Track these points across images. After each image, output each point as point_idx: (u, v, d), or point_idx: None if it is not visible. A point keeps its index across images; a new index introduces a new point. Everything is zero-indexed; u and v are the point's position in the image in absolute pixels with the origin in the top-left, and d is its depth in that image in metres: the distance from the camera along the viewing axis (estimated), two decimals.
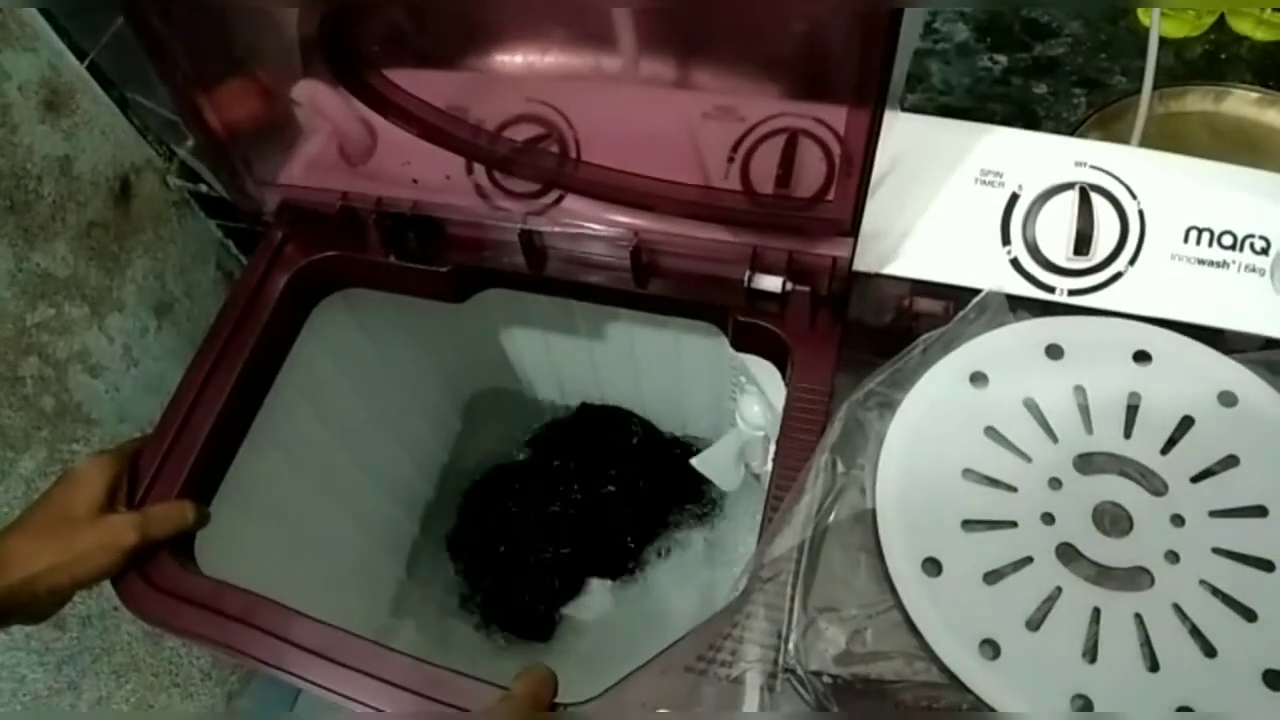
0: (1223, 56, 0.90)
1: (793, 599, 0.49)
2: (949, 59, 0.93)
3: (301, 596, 0.60)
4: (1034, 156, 0.58)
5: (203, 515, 0.60)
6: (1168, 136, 0.85)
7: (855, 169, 0.52)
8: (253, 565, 0.64)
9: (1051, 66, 0.91)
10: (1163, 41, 0.91)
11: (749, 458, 0.88)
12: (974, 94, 0.91)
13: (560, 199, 0.61)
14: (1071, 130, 0.84)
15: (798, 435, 0.56)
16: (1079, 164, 0.57)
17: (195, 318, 1.02)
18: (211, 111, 0.62)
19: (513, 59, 0.60)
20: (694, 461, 0.87)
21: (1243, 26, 0.91)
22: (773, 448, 0.83)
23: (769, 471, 0.85)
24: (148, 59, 0.59)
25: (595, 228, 0.61)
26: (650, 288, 0.64)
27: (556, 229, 0.63)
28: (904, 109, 0.91)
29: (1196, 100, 0.86)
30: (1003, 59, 0.92)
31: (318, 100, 0.61)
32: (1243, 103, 0.86)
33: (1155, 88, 0.84)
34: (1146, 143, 0.70)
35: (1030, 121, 0.89)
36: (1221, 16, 0.91)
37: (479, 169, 0.62)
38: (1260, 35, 0.90)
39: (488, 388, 1.03)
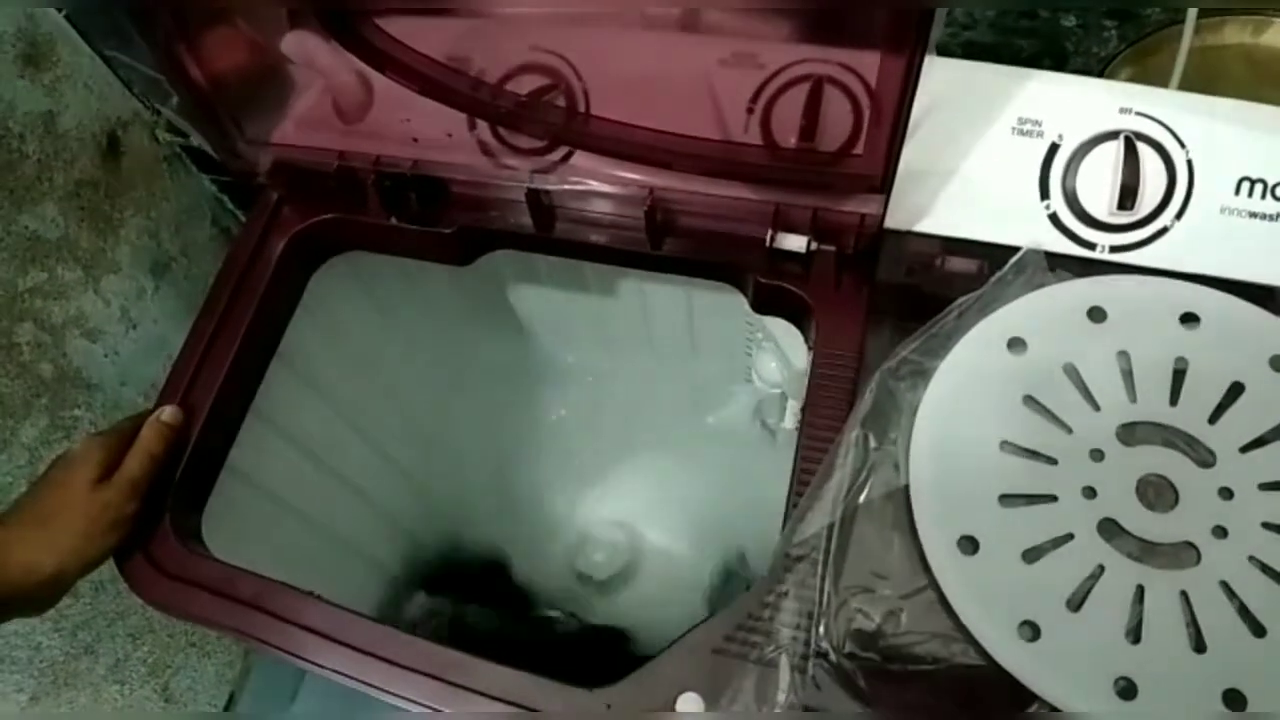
0: None
1: (824, 579, 0.47)
2: None
3: (310, 571, 0.59)
4: (1076, 103, 0.54)
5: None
6: (1205, 71, 0.80)
7: (887, 119, 0.49)
8: (260, 541, 0.63)
9: None
10: None
11: (764, 415, 0.86)
12: (998, 28, 0.86)
13: (569, 156, 0.58)
14: (1103, 66, 0.80)
15: (824, 404, 0.54)
16: (1124, 110, 0.53)
17: (194, 277, 1.00)
18: (196, 67, 0.58)
19: (515, 3, 0.56)
20: (710, 419, 0.85)
21: None
22: (790, 404, 0.81)
23: (784, 429, 0.83)
24: (125, 12, 0.55)
25: (606, 186, 0.58)
26: (665, 248, 0.61)
27: (565, 187, 0.59)
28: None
29: (1235, 32, 0.81)
30: None
31: (308, 53, 0.57)
32: None
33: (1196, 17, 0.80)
34: (1183, 78, 0.66)
35: (1059, 57, 0.84)
36: None
37: (482, 125, 0.58)
38: None
39: (496, 351, 1.00)
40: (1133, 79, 0.79)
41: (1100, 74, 0.79)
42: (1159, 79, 0.67)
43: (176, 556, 0.54)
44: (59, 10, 0.79)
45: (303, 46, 0.58)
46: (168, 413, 0.58)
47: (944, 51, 0.86)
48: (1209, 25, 0.83)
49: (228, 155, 0.63)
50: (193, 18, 0.57)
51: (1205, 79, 0.81)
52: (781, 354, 0.77)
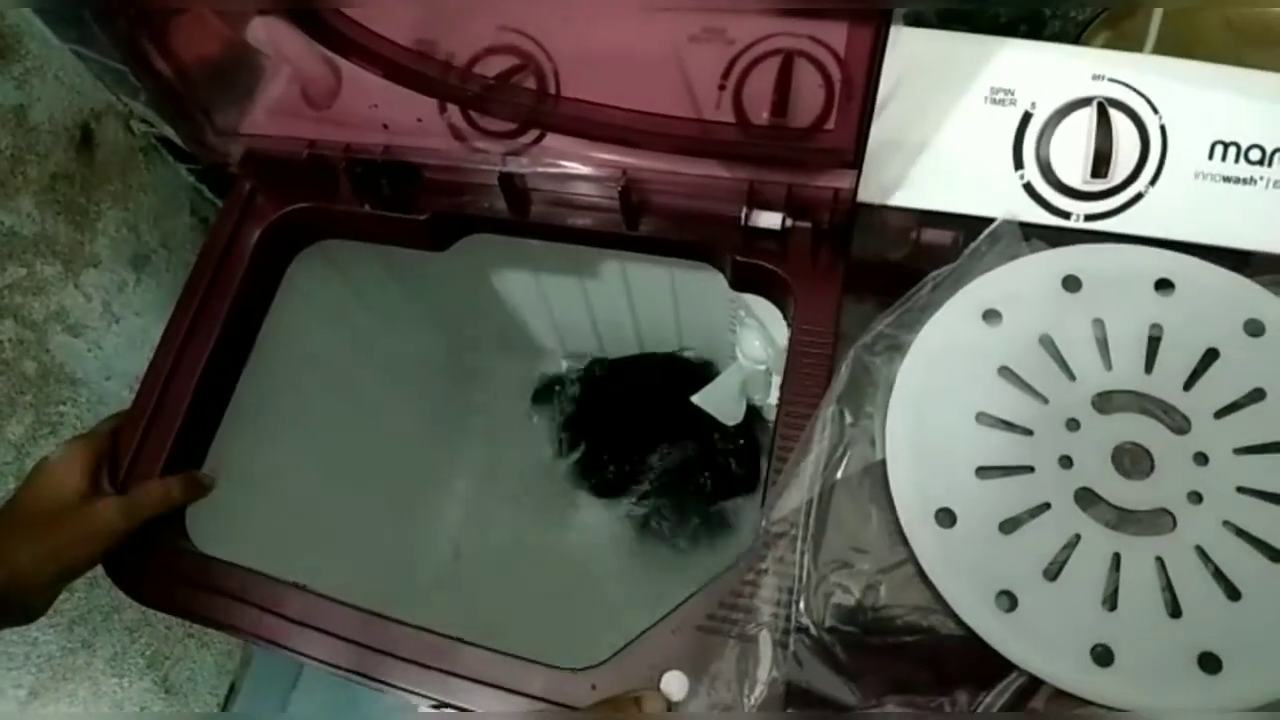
0: None
1: (803, 555, 0.47)
2: None
3: (300, 563, 0.59)
4: (1048, 71, 0.53)
5: (192, 485, 0.58)
6: (1183, 35, 0.79)
7: (857, 93, 0.48)
8: (247, 536, 0.63)
9: None
10: None
11: (750, 392, 0.86)
12: None
13: (541, 137, 0.57)
14: (1080, 30, 0.79)
15: (802, 380, 0.54)
16: (1096, 77, 0.53)
17: (174, 267, 0.99)
18: (160, 59, 0.57)
19: None
20: (695, 398, 0.85)
21: None
22: (775, 380, 0.81)
23: (771, 405, 0.83)
24: (84, 6, 0.54)
25: (580, 167, 0.57)
26: (642, 228, 0.60)
27: (539, 170, 0.59)
28: (897, 12, 0.86)
29: None
30: None
31: (274, 41, 0.57)
32: None
33: None
34: (1159, 41, 0.66)
35: (1036, 22, 0.83)
36: None
37: (453, 109, 0.58)
38: None
39: (481, 334, 1.00)
40: (1109, 43, 0.78)
41: (1077, 39, 0.79)
42: (1136, 43, 0.66)
43: (161, 551, 0.55)
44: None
45: (268, 34, 0.57)
46: (205, 476, 0.59)
47: (920, 20, 0.85)
48: None
49: (198, 146, 0.63)
50: (154, 8, 0.56)
51: (1184, 42, 0.80)
52: (764, 331, 0.77)
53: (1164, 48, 0.70)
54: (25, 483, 0.55)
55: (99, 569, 0.55)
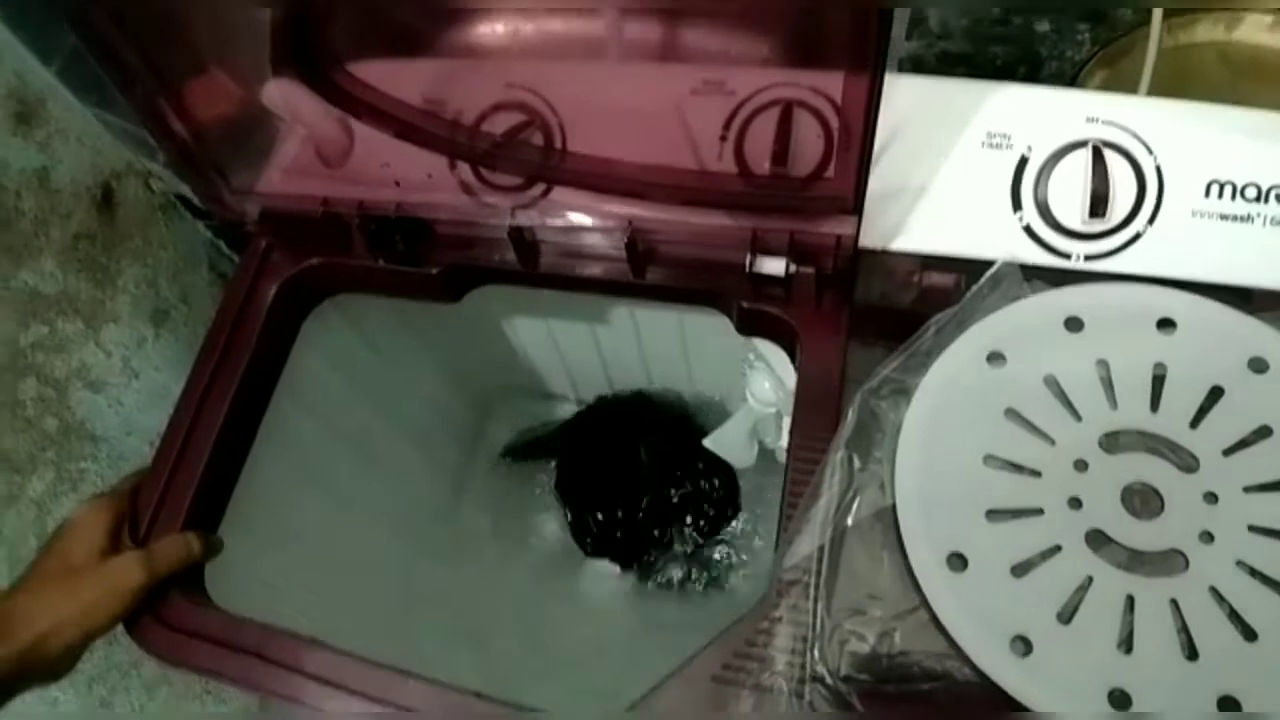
0: None
1: (816, 603, 0.47)
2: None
3: (319, 614, 0.59)
4: (1042, 114, 0.54)
5: (210, 544, 0.59)
6: (1178, 70, 0.81)
7: (855, 141, 0.49)
8: (265, 589, 0.64)
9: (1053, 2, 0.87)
10: None
11: (762, 434, 0.86)
12: (973, 36, 0.87)
13: (548, 191, 0.59)
14: (1077, 69, 0.80)
15: (810, 425, 0.54)
16: (1090, 119, 0.54)
17: (193, 322, 1.01)
18: (178, 122, 0.59)
19: (486, 42, 0.57)
20: (707, 441, 0.86)
21: None
22: (786, 422, 0.82)
23: (782, 446, 0.83)
24: (105, 72, 0.56)
25: (587, 219, 0.59)
26: (649, 277, 0.61)
27: (547, 222, 0.60)
28: (901, 56, 0.87)
29: (1207, 29, 0.82)
30: None
31: (287, 104, 0.59)
32: (1256, 28, 0.81)
33: (1162, 18, 0.80)
34: (1156, 78, 0.67)
35: (1034, 63, 0.85)
36: None
37: (462, 165, 0.59)
38: None
39: (495, 381, 1.01)
40: (1106, 82, 0.79)
41: (1074, 77, 0.80)
42: (1132, 80, 0.68)
43: (179, 608, 0.55)
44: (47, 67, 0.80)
45: (282, 96, 0.59)
46: (216, 538, 0.60)
47: (919, 63, 0.87)
48: (1181, 23, 0.83)
49: (215, 205, 0.65)
50: (171, 72, 0.58)
51: (1179, 77, 0.81)
52: (774, 374, 0.78)
53: (1160, 83, 0.71)
54: (47, 543, 0.56)
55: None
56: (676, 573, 1.00)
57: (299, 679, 0.51)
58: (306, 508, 0.74)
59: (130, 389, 0.93)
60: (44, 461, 0.84)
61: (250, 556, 0.62)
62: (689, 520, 1.00)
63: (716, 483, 0.99)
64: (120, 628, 0.56)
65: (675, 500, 0.99)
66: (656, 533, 0.99)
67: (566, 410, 1.07)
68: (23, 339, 0.82)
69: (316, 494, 0.75)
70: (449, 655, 0.91)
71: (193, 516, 0.58)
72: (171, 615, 0.55)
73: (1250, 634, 0.43)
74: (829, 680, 0.46)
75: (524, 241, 0.61)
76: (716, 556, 1.00)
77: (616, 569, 1.01)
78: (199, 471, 0.59)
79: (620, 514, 0.99)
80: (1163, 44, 0.82)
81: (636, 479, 1.00)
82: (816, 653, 0.46)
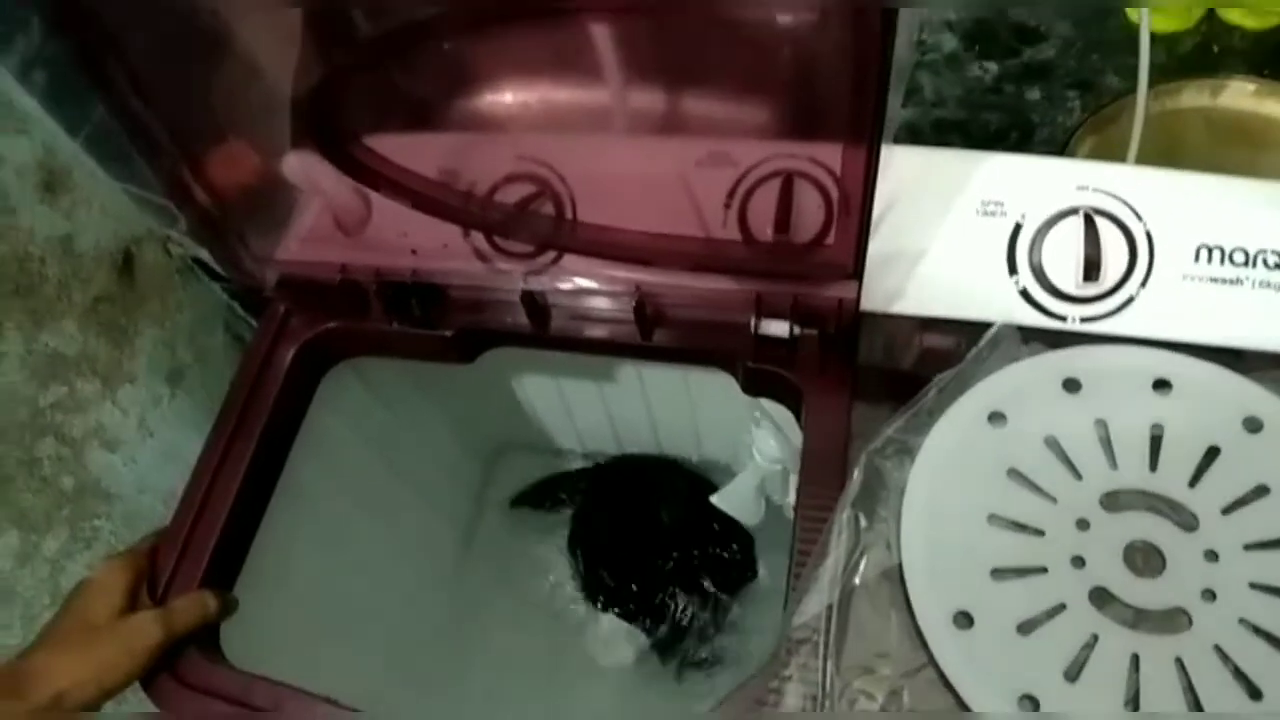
0: (1215, 48, 0.89)
1: (825, 661, 0.48)
2: (939, 70, 0.92)
3: (334, 672, 0.60)
4: (1034, 183, 0.56)
5: (227, 603, 0.59)
6: (1166, 135, 0.84)
7: (854, 209, 0.51)
8: (279, 646, 0.64)
9: (1043, 71, 0.90)
10: (1154, 37, 0.89)
11: (769, 491, 0.87)
12: (967, 104, 0.90)
13: (559, 258, 0.61)
14: (1068, 135, 0.83)
15: (817, 484, 0.55)
16: (1081, 188, 0.56)
17: (208, 382, 1.02)
18: (201, 192, 0.62)
19: (498, 116, 0.59)
20: (714, 498, 0.87)
21: (1234, 16, 0.89)
22: (793, 479, 0.83)
23: (790, 503, 0.84)
24: (131, 144, 0.59)
25: (596, 284, 0.61)
26: (656, 339, 0.63)
27: (558, 287, 0.62)
28: (898, 124, 0.90)
29: (1192, 96, 0.85)
30: (993, 66, 0.91)
31: (307, 176, 0.61)
32: (1240, 95, 0.84)
33: (1149, 86, 0.83)
34: (1145, 143, 0.69)
35: (1025, 129, 0.88)
36: (1211, 8, 0.90)
37: (476, 233, 0.61)
38: (1251, 24, 0.89)
39: (506, 441, 1.02)
40: (1096, 147, 0.82)
41: (1065, 143, 0.83)
42: (1121, 145, 0.70)
43: (195, 666, 0.56)
44: (73, 137, 0.83)
45: (301, 168, 0.61)
46: (231, 597, 0.61)
47: (915, 129, 0.90)
48: (1167, 90, 0.86)
49: (236, 272, 0.67)
50: (196, 143, 0.60)
51: (1166, 141, 0.84)
52: (780, 432, 0.79)
53: (1148, 148, 0.74)
54: (66, 602, 0.57)
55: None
56: (692, 633, 1.00)
57: None
58: (320, 565, 0.75)
59: (145, 447, 0.94)
60: (59, 520, 0.86)
61: (265, 613, 0.63)
62: (706, 582, 1.00)
63: (735, 547, 1.00)
64: (135, 685, 0.57)
65: (694, 561, 1.00)
66: (672, 591, 1.00)
67: (573, 465, 1.08)
68: (42, 399, 0.84)
69: (330, 551, 0.76)
70: (458, 709, 0.91)
71: (210, 575, 0.59)
72: (187, 673, 0.56)
73: (1255, 692, 0.44)
74: None
75: (535, 305, 0.63)
76: (731, 617, 1.00)
77: (626, 626, 1.00)
78: (216, 531, 0.60)
79: (635, 572, 1.00)
80: (1150, 110, 0.85)
81: (654, 539, 1.01)
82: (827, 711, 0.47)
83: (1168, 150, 0.84)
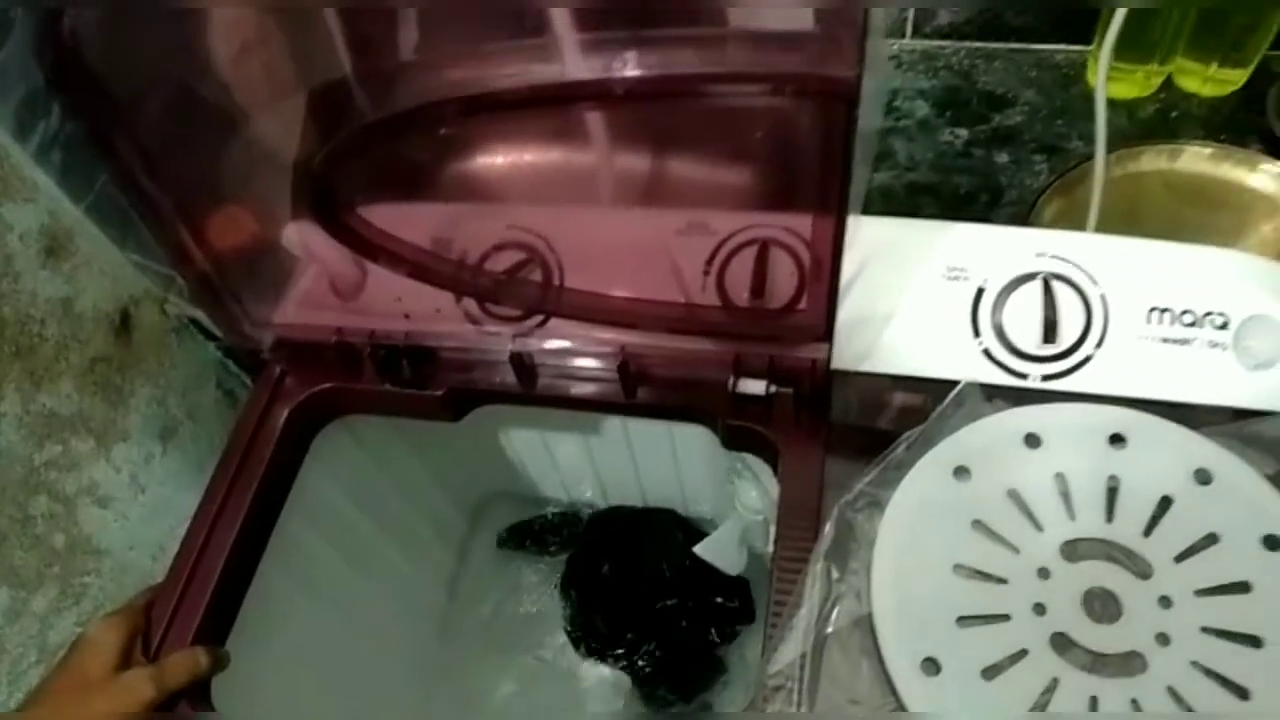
0: (1174, 114, 0.94)
1: (800, 708, 0.50)
2: (912, 135, 0.96)
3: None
4: (996, 250, 0.60)
5: (219, 659, 0.61)
6: (1127, 197, 0.88)
7: (824, 275, 0.55)
8: (270, 700, 0.65)
9: (1011, 136, 0.95)
10: (1114, 103, 0.95)
11: (751, 541, 0.89)
12: (938, 168, 0.94)
13: (546, 321, 0.64)
14: (1035, 198, 0.87)
15: (792, 536, 0.58)
16: (1039, 254, 0.59)
17: (199, 438, 1.04)
18: (202, 260, 0.64)
19: (490, 190, 0.63)
20: (697, 549, 0.89)
21: (1190, 84, 0.94)
22: (773, 530, 0.85)
23: (771, 553, 0.86)
24: (134, 211, 0.61)
25: (582, 346, 0.64)
26: (640, 396, 0.66)
27: (545, 348, 0.65)
28: (871, 187, 0.94)
29: (1151, 160, 0.90)
30: (963, 132, 0.96)
31: (307, 245, 0.64)
32: (1197, 159, 0.89)
33: (1111, 150, 0.88)
34: (1107, 205, 0.73)
35: (995, 192, 0.92)
36: (1169, 75, 0.95)
37: (468, 300, 0.64)
38: (1207, 91, 0.94)
39: (492, 491, 1.04)
40: (1062, 209, 0.86)
41: (1032, 205, 0.87)
42: (1084, 209, 0.74)
43: None
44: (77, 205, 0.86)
45: (299, 237, 0.65)
46: (225, 653, 0.62)
47: (889, 192, 0.94)
48: (1128, 155, 0.91)
49: (234, 335, 0.69)
50: (197, 211, 0.63)
51: (1128, 203, 0.88)
52: (760, 483, 0.81)
53: (1110, 210, 0.78)
54: (62, 658, 0.58)
55: None
56: (683, 679, 1.01)
57: None
58: (309, 619, 0.76)
59: (136, 504, 0.96)
60: (50, 577, 0.87)
61: (255, 668, 0.64)
62: (707, 631, 1.01)
63: (734, 593, 1.02)
64: None
65: (689, 606, 1.01)
66: (666, 638, 1.01)
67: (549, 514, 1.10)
68: (37, 458, 0.85)
69: (319, 605, 0.78)
70: None
71: (202, 631, 0.61)
72: None
73: None
74: None
75: (523, 365, 0.66)
76: (728, 660, 1.01)
77: (615, 673, 1.01)
78: (210, 587, 0.62)
79: (630, 618, 1.01)
80: (1112, 173, 0.89)
81: (651, 585, 1.02)
82: None
83: (1129, 211, 0.88)
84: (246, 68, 0.59)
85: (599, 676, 1.03)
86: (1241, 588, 0.50)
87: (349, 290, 0.65)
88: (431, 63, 0.56)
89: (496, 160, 0.62)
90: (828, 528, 0.54)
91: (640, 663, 1.01)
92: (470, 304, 0.64)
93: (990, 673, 0.49)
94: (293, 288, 0.68)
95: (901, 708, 0.48)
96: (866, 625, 0.51)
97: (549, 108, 0.56)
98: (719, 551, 0.89)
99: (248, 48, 0.58)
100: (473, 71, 0.55)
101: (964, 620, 0.50)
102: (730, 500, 0.90)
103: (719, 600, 1.01)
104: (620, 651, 1.02)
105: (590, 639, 1.03)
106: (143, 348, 0.97)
